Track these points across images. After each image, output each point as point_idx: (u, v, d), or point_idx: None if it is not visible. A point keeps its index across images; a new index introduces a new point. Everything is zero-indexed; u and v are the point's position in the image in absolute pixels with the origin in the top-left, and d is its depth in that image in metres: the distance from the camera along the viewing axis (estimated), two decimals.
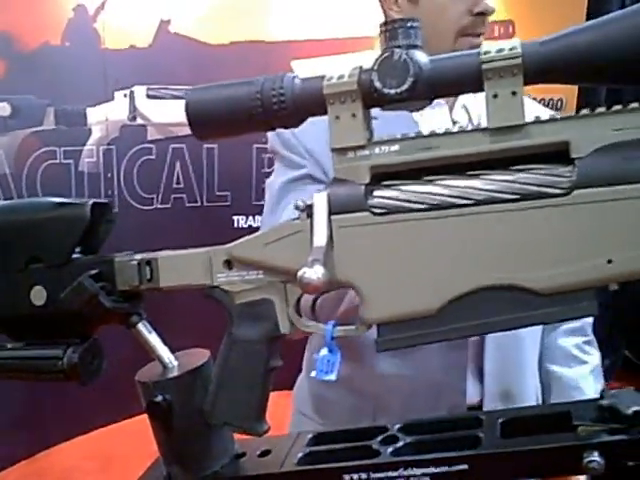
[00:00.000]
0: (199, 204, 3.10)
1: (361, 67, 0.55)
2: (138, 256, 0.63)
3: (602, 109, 0.51)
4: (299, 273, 0.52)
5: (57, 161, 2.82)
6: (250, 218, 3.11)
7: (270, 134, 1.04)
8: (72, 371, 0.64)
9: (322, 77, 0.56)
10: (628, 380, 3.68)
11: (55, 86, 2.73)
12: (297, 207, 0.57)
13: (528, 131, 0.51)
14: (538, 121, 0.51)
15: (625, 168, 0.49)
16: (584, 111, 0.51)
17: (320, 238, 0.54)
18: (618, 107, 0.50)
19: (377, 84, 0.52)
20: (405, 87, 0.52)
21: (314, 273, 0.51)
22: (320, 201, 0.55)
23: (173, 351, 0.67)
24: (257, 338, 0.59)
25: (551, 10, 2.89)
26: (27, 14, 2.65)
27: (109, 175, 2.94)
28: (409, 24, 0.53)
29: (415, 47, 0.53)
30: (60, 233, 0.65)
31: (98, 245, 0.67)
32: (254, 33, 3.02)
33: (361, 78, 0.54)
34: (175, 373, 0.63)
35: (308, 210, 0.56)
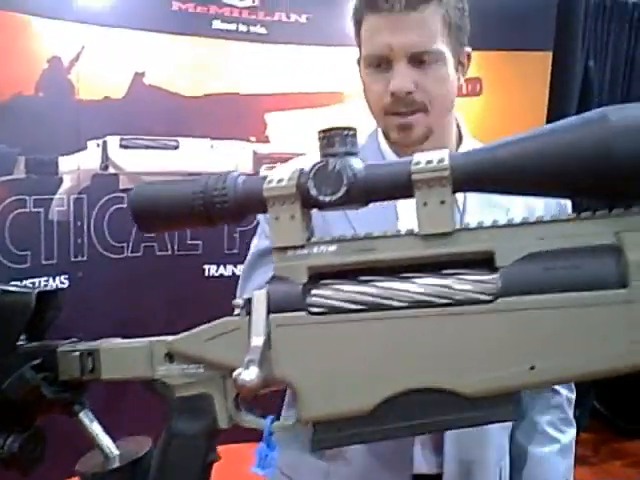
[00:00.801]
0: (170, 253, 3.10)
1: (301, 170, 0.57)
2: (81, 346, 0.63)
3: (527, 219, 0.53)
4: (234, 374, 0.53)
5: (27, 210, 2.81)
6: (221, 267, 3.10)
7: None
8: (12, 460, 0.64)
9: (264, 178, 0.57)
10: (598, 431, 3.70)
11: (28, 135, 2.74)
12: (237, 305, 0.58)
13: (457, 238, 0.53)
14: (466, 228, 0.53)
15: (545, 278, 0.51)
16: (510, 220, 0.53)
17: (257, 337, 0.55)
18: (541, 217, 0.52)
19: (313, 191, 0.54)
20: (339, 195, 0.54)
21: (248, 375, 0.52)
22: (259, 299, 0.56)
23: (116, 436, 0.67)
24: (196, 433, 0.60)
25: (517, 69, 2.98)
26: (2, 65, 2.67)
27: (79, 224, 2.93)
28: (345, 132, 0.55)
29: (351, 154, 0.55)
30: (4, 322, 0.65)
31: (44, 330, 0.68)
32: (228, 86, 3.07)
33: (299, 182, 0.56)
34: (116, 464, 0.63)
35: (247, 307, 0.57)
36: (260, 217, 1.06)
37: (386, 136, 1.07)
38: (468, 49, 1.07)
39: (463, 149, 1.06)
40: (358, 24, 1.02)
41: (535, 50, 2.98)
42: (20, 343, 0.65)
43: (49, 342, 0.66)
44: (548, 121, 2.90)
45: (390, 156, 1.07)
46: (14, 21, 2.68)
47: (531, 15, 2.92)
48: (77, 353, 0.62)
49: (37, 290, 0.65)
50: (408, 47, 0.97)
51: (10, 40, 2.69)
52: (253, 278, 1.02)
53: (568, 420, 1.11)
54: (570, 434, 1.11)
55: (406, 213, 0.96)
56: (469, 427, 0.54)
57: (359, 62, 1.07)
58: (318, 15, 3.00)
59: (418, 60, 0.98)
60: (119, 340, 0.64)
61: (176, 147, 3.05)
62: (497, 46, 2.96)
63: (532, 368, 0.51)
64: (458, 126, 1.10)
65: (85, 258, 2.91)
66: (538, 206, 0.98)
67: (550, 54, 2.94)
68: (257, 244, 1.06)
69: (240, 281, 1.07)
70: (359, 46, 1.04)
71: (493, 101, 3.04)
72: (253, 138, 3.14)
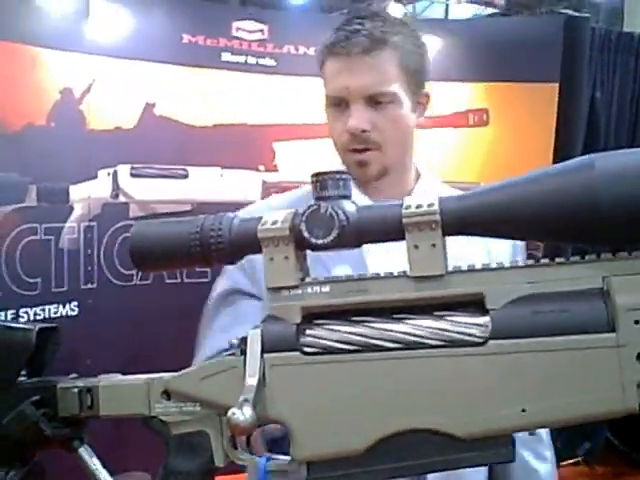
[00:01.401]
0: (179, 280, 3.11)
1: (296, 211, 0.58)
2: (80, 383, 0.64)
3: (515, 263, 0.54)
4: (228, 414, 0.53)
5: (38, 238, 2.83)
6: None
7: None
8: None
9: (259, 219, 0.59)
10: (612, 464, 3.64)
11: (40, 164, 2.77)
12: (232, 345, 0.59)
13: (448, 281, 0.54)
14: (457, 271, 0.54)
15: (535, 321, 0.51)
16: (500, 264, 0.54)
17: (252, 377, 0.56)
18: (531, 261, 0.53)
19: (305, 234, 0.56)
20: (331, 238, 0.55)
21: (242, 415, 0.53)
22: (254, 339, 0.57)
23: (115, 472, 0.68)
24: (192, 470, 0.60)
25: (524, 100, 3.00)
26: (14, 96, 2.72)
27: (89, 252, 2.95)
28: (338, 176, 0.56)
29: (344, 197, 0.56)
30: (5, 357, 0.66)
31: (43, 366, 0.69)
32: (237, 116, 3.11)
33: (293, 224, 0.57)
34: None
35: (243, 346, 0.58)
36: None
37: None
38: (427, 90, 1.13)
39: (420, 187, 1.12)
40: (321, 66, 1.09)
41: (542, 82, 3.00)
42: (20, 379, 0.66)
43: (49, 378, 0.67)
44: (555, 152, 2.91)
45: (353, 191, 1.10)
46: (27, 53, 2.73)
47: (538, 47, 2.95)
48: (76, 390, 0.63)
49: (38, 327, 0.66)
50: (363, 89, 1.04)
51: (23, 72, 2.74)
52: (217, 319, 1.05)
53: (546, 445, 1.12)
54: (549, 463, 1.12)
55: (374, 258, 0.97)
56: (462, 468, 0.54)
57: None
58: None
59: (374, 101, 1.04)
60: (118, 377, 0.65)
61: (185, 176, 3.08)
62: (504, 78, 3.00)
63: (523, 410, 0.51)
64: (416, 167, 1.15)
65: (95, 286, 2.93)
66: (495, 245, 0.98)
67: (555, 85, 2.97)
68: (222, 284, 1.08)
69: (204, 321, 1.09)
70: (325, 86, 1.10)
71: (500, 132, 3.06)
72: (262, 167, 3.17)
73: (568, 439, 3.28)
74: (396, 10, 3.49)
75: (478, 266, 0.54)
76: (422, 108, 1.13)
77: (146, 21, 3.02)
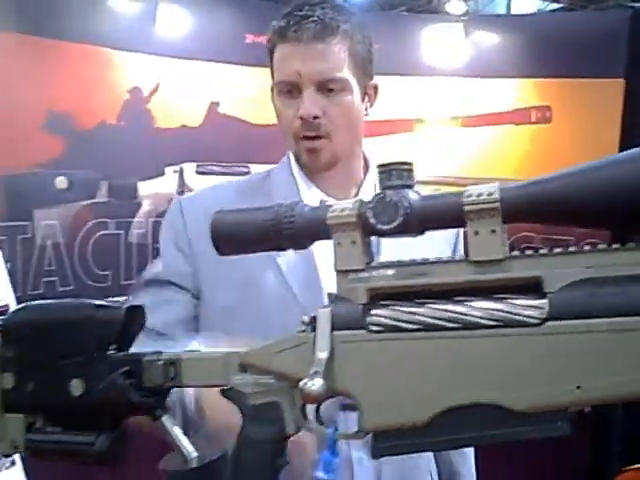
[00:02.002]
0: None
1: (361, 200, 0.62)
2: (164, 355, 0.70)
3: (573, 248, 0.57)
4: (300, 384, 0.58)
5: (108, 232, 2.96)
6: None
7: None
8: (102, 456, 0.71)
9: (328, 207, 0.63)
10: None
11: (110, 162, 2.90)
12: (303, 322, 0.64)
13: (506, 265, 0.57)
14: (515, 256, 0.58)
15: (591, 303, 0.54)
16: (557, 249, 0.57)
17: (322, 352, 0.61)
18: (588, 247, 0.56)
19: (372, 220, 0.60)
20: (395, 224, 0.59)
21: (313, 385, 0.58)
22: (323, 317, 0.62)
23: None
24: (266, 438, 0.65)
25: (587, 97, 2.96)
26: (87, 96, 2.85)
27: (157, 246, 3.06)
28: (402, 167, 0.61)
29: (408, 187, 0.61)
30: (98, 331, 0.73)
31: (130, 342, 0.75)
32: None
33: (360, 211, 0.61)
34: (194, 465, 0.70)
35: (313, 324, 0.63)
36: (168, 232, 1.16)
37: (298, 160, 1.13)
38: (374, 82, 1.13)
39: (370, 177, 1.14)
40: (271, 53, 1.10)
41: (607, 77, 2.96)
42: (110, 352, 0.73)
43: (135, 352, 0.73)
44: (621, 148, 2.87)
45: (301, 180, 1.13)
46: (99, 54, 2.86)
47: (600, 42, 2.91)
48: (161, 362, 0.69)
49: (126, 305, 0.72)
50: (316, 74, 1.05)
51: (95, 72, 2.87)
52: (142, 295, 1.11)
53: None
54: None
55: (324, 262, 0.93)
56: (517, 440, 0.57)
57: (273, 89, 1.13)
58: (388, 45, 3.07)
59: (325, 88, 1.05)
60: (197, 352, 0.71)
61: (247, 173, 3.17)
62: (568, 73, 2.96)
63: (578, 387, 0.54)
64: (365, 157, 1.17)
65: None
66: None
67: (620, 81, 2.92)
68: (154, 267, 1.15)
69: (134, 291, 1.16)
70: (272, 74, 1.11)
71: (563, 129, 3.03)
72: None
73: (632, 443, 3.22)
74: (457, 6, 3.48)
75: (537, 252, 0.58)
76: (370, 100, 1.13)
77: (210, 23, 3.12)
